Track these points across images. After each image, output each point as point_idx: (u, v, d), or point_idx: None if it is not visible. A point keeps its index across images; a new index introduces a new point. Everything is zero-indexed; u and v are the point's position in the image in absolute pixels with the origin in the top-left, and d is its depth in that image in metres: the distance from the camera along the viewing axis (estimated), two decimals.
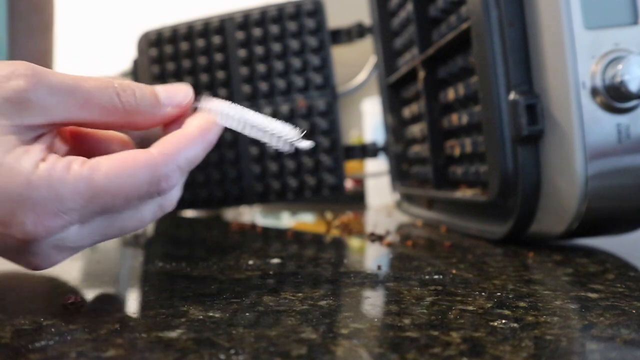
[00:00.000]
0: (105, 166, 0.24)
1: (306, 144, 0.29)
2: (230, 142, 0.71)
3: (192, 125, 0.27)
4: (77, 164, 0.23)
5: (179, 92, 0.28)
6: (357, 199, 1.06)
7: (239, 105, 0.30)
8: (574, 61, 0.36)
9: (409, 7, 0.60)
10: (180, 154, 0.26)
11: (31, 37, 0.59)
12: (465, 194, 0.49)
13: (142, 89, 0.27)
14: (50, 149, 0.25)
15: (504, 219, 0.43)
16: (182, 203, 0.74)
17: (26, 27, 0.59)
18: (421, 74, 0.56)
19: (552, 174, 0.39)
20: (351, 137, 1.86)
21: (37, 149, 0.23)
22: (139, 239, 0.56)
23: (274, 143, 0.29)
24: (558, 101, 0.37)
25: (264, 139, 0.29)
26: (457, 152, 0.52)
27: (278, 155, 0.70)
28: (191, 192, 0.74)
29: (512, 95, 0.39)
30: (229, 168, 0.71)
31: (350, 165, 1.14)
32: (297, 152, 0.69)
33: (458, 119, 0.51)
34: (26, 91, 0.23)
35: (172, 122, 0.28)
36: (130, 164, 0.24)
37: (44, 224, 0.23)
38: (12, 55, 0.57)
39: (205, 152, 0.27)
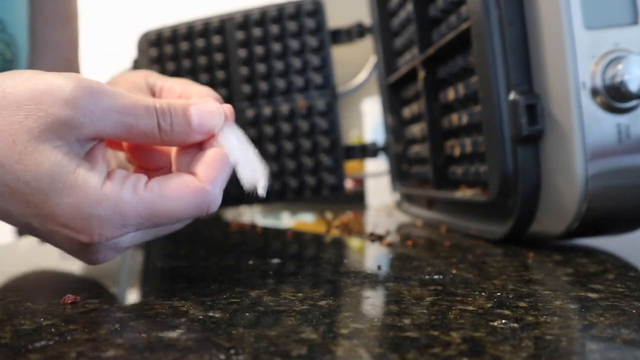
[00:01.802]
0: (165, 192, 0.27)
1: (262, 192, 0.31)
2: None
3: (219, 150, 0.30)
4: (141, 186, 0.27)
5: (211, 119, 0.29)
6: (357, 199, 1.06)
7: (243, 138, 0.31)
8: (574, 61, 0.36)
9: (409, 7, 0.60)
10: (221, 179, 0.29)
11: (54, 29, 0.60)
12: (465, 194, 0.49)
13: (178, 116, 0.29)
14: (105, 158, 0.28)
15: (504, 219, 0.43)
16: None
17: (48, 19, 0.59)
18: (421, 74, 0.56)
19: (552, 174, 0.39)
20: (351, 137, 1.86)
21: (100, 165, 0.26)
22: None
23: (244, 179, 0.30)
24: (558, 101, 0.37)
25: (240, 173, 0.30)
26: (457, 152, 0.52)
27: (278, 155, 0.70)
28: None
29: (512, 95, 0.39)
30: None
31: (350, 165, 1.14)
32: (297, 152, 0.69)
33: (458, 119, 0.51)
34: (80, 110, 0.25)
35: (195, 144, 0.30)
36: (184, 192, 0.27)
37: (108, 234, 0.26)
38: (34, 47, 0.56)
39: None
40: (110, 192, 0.26)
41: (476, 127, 0.48)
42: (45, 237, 0.27)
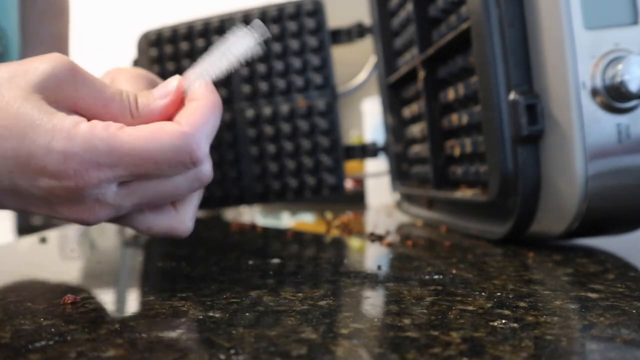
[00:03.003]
0: (138, 133, 0.27)
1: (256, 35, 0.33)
2: (230, 142, 0.71)
3: (202, 98, 0.30)
4: (115, 126, 0.27)
5: (167, 83, 0.31)
6: (357, 199, 1.06)
7: (204, 60, 0.33)
8: (574, 61, 0.36)
9: (409, 7, 0.60)
10: (206, 123, 0.29)
11: (44, 22, 0.60)
12: (465, 194, 0.49)
13: (142, 96, 0.30)
14: None
15: (504, 219, 0.43)
16: None
17: (39, 12, 0.59)
18: (421, 74, 0.56)
19: (552, 174, 0.39)
20: (351, 137, 1.86)
21: (78, 117, 0.27)
22: (138, 239, 0.56)
23: (243, 58, 0.32)
24: (558, 101, 0.37)
25: (236, 64, 0.33)
26: (457, 152, 0.52)
27: (278, 155, 0.70)
28: None
29: (512, 95, 0.39)
30: (229, 168, 0.71)
31: (350, 165, 1.14)
32: (297, 152, 0.69)
33: (458, 119, 0.51)
34: (62, 75, 0.27)
35: (176, 110, 0.31)
36: (158, 132, 0.27)
37: (85, 173, 0.26)
38: (25, 41, 0.57)
39: (219, 119, 0.31)
40: (83, 129, 0.26)
41: (476, 127, 0.48)
42: (34, 197, 0.28)
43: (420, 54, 0.57)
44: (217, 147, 0.71)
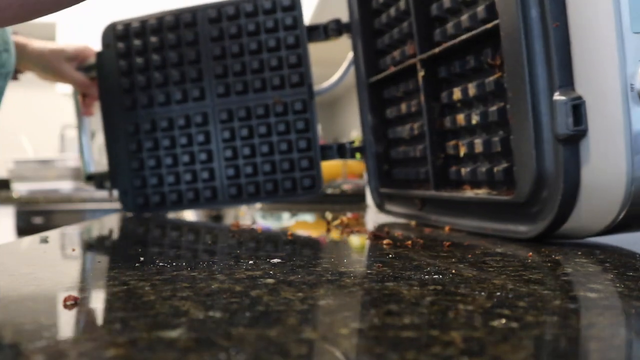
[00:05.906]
0: None
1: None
2: (201, 141, 0.68)
3: None
4: None
5: None
6: (357, 199, 1.06)
7: None
8: (622, 64, 0.36)
9: (402, 5, 0.59)
10: None
11: None
12: (477, 193, 0.49)
13: None
14: None
15: (530, 219, 0.43)
16: (150, 204, 0.71)
17: None
18: (420, 73, 0.56)
19: (592, 174, 0.39)
20: (352, 137, 1.86)
21: None
22: (139, 238, 0.56)
23: None
24: (604, 103, 0.38)
25: None
26: (462, 151, 0.52)
27: (252, 154, 0.68)
28: (160, 193, 0.70)
29: (556, 96, 0.39)
30: (201, 168, 0.69)
31: (351, 165, 1.14)
32: (271, 152, 0.67)
33: (464, 118, 0.51)
34: None
35: None
36: None
37: None
38: None
39: None
40: None
41: (486, 127, 0.48)
42: None
43: (421, 53, 0.56)
44: (189, 144, 0.69)
